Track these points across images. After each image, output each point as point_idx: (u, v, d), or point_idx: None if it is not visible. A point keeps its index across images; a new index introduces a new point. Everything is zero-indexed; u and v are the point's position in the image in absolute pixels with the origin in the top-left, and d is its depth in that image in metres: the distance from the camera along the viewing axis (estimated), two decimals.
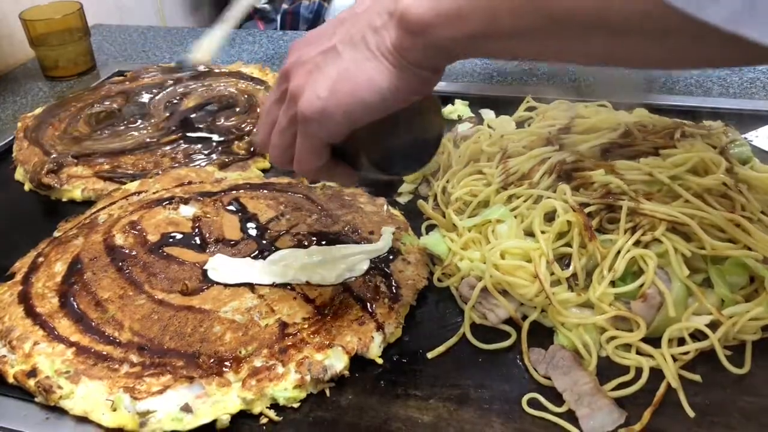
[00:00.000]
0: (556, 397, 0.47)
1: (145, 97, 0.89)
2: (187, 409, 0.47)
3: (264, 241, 0.61)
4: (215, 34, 0.94)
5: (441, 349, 0.52)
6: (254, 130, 0.81)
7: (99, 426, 0.47)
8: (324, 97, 0.41)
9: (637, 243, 0.52)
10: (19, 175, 0.78)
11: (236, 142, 0.79)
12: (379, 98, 0.40)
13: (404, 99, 0.41)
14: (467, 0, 0.35)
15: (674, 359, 0.49)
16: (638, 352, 0.50)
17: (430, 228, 0.64)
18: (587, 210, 0.54)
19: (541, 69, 0.96)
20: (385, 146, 0.45)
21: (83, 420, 0.48)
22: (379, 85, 0.40)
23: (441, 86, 0.90)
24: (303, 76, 0.42)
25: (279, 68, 0.62)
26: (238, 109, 0.86)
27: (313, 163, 0.45)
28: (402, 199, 0.69)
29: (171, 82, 0.93)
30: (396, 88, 0.40)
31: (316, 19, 1.61)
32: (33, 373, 0.50)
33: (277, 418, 0.48)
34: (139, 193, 0.69)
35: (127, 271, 0.58)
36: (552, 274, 0.52)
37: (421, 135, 0.46)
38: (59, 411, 0.48)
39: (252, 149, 0.77)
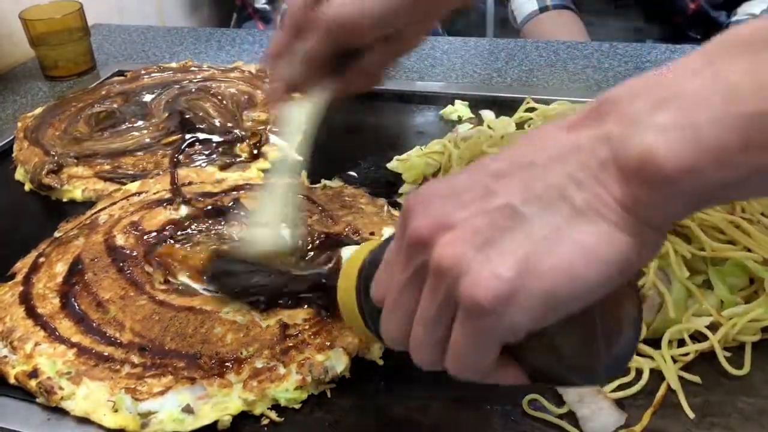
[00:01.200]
0: (557, 399, 0.47)
1: (146, 98, 0.89)
2: (188, 410, 0.47)
3: None
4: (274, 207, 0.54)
5: None
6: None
7: (100, 427, 0.47)
8: (509, 278, 0.28)
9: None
10: (19, 175, 0.78)
11: (238, 144, 0.79)
12: (599, 275, 0.28)
13: (630, 273, 0.30)
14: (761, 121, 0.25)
15: (674, 360, 0.49)
16: (638, 354, 0.50)
17: None
18: None
19: (540, 71, 0.96)
20: (586, 346, 0.32)
21: (84, 421, 0.48)
22: (602, 257, 0.28)
23: (441, 87, 0.91)
24: (460, 245, 0.29)
25: None
26: (238, 110, 0.86)
27: (478, 366, 0.33)
28: (402, 200, 0.69)
29: (171, 82, 0.93)
30: (622, 258, 0.28)
31: None
32: (34, 373, 0.50)
33: (278, 419, 0.48)
34: (140, 193, 0.69)
35: (128, 271, 0.58)
36: None
37: (627, 327, 0.33)
38: (60, 412, 0.48)
39: (255, 153, 0.77)
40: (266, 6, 1.51)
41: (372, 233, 0.62)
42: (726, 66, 0.26)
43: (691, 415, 0.46)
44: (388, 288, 0.35)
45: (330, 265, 0.55)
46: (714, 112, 0.26)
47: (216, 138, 0.80)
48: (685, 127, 0.26)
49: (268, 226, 0.51)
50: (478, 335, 0.30)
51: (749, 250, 0.52)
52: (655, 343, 0.50)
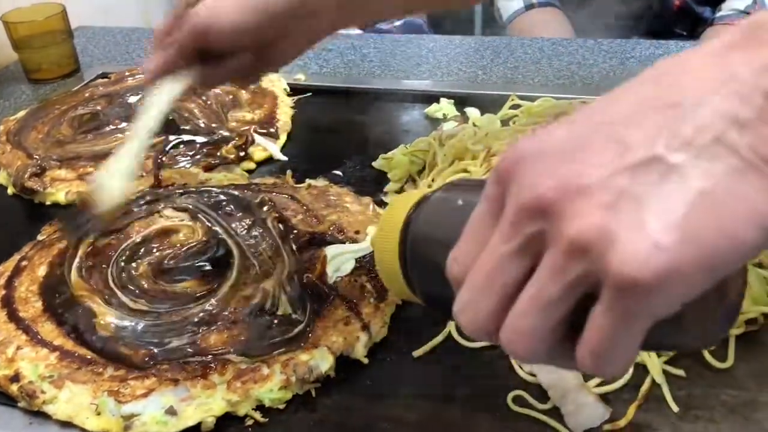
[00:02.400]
0: (542, 395, 0.47)
1: (130, 99, 0.89)
2: (171, 411, 0.47)
3: None
4: (121, 165, 0.56)
5: (427, 347, 0.52)
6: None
7: (83, 430, 0.47)
8: (673, 245, 0.23)
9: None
10: (2, 178, 0.78)
11: (224, 146, 0.78)
12: (764, 234, 0.23)
13: None
14: None
15: (658, 354, 0.49)
16: None
17: None
18: None
19: (526, 68, 0.96)
20: (712, 310, 0.28)
21: (67, 425, 0.47)
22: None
23: (426, 85, 0.91)
24: (601, 212, 0.24)
25: None
26: (223, 110, 0.86)
27: (626, 356, 0.26)
28: (388, 199, 0.69)
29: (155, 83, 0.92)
30: None
31: None
32: (16, 377, 0.49)
33: (262, 420, 0.47)
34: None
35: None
36: None
37: (739, 284, 0.29)
38: (43, 416, 0.48)
39: (243, 154, 0.77)
40: None
41: (357, 232, 0.62)
42: None
43: (676, 408, 0.46)
44: (477, 263, 0.28)
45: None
46: None
47: (200, 139, 0.79)
48: None
49: (108, 181, 0.55)
50: (631, 320, 0.25)
51: None
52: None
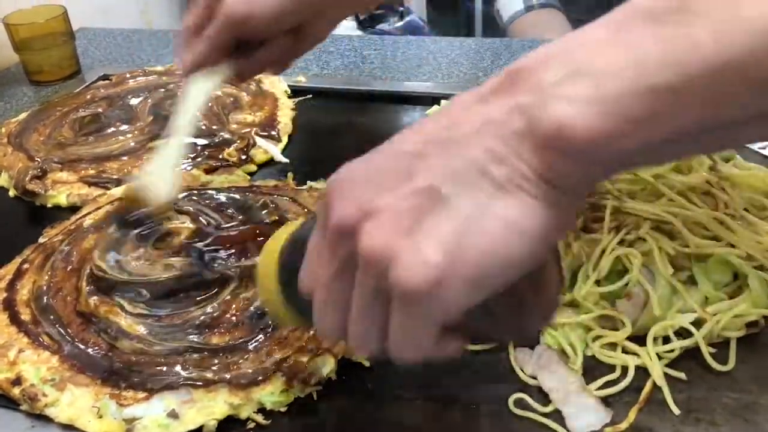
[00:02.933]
0: (543, 397, 0.47)
1: (131, 101, 0.89)
2: (173, 415, 0.47)
3: None
4: (167, 160, 0.58)
5: None
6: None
7: None
8: (437, 263, 0.28)
9: (621, 242, 0.52)
10: (3, 181, 0.78)
11: (226, 149, 0.78)
12: (522, 248, 0.28)
13: (553, 242, 0.30)
14: (673, 93, 0.26)
15: (659, 357, 0.49)
16: (624, 351, 0.50)
17: None
18: None
19: None
20: (519, 310, 0.33)
21: (69, 427, 0.47)
22: (523, 228, 0.28)
23: (426, 87, 0.91)
24: (386, 233, 0.29)
25: None
26: (224, 112, 0.86)
27: (421, 349, 0.32)
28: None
29: (157, 85, 0.93)
30: (545, 229, 0.29)
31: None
32: (18, 381, 0.49)
33: (264, 422, 0.48)
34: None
35: None
36: None
37: (552, 287, 0.34)
38: (45, 419, 0.48)
39: (244, 157, 0.77)
40: None
41: None
42: (633, 38, 0.27)
43: (677, 411, 0.46)
44: (317, 280, 0.33)
45: None
46: (623, 85, 0.26)
47: (201, 141, 0.79)
48: (596, 98, 0.27)
49: (157, 176, 0.57)
50: (415, 320, 0.30)
51: (733, 246, 0.52)
52: (640, 340, 0.50)
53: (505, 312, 0.32)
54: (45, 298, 0.56)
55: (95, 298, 0.55)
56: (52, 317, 0.54)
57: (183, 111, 0.58)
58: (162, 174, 0.56)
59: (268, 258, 0.40)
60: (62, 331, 0.53)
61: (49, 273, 0.59)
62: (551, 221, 0.29)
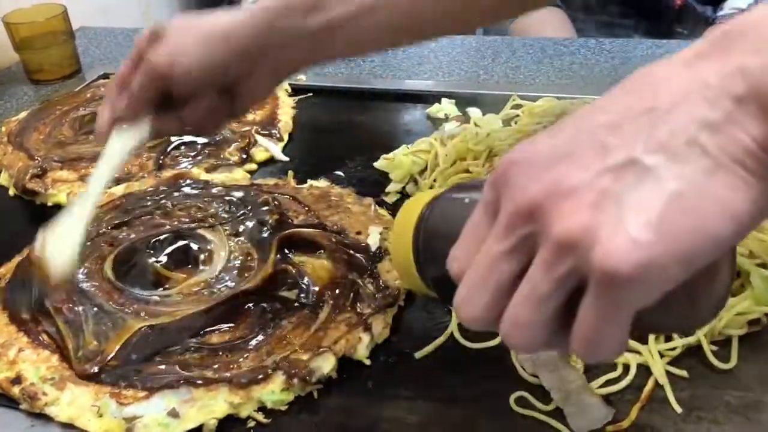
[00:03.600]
0: (544, 396, 0.47)
1: None
2: (174, 414, 0.47)
3: None
4: (73, 232, 0.51)
5: (429, 348, 0.52)
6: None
7: None
8: (649, 241, 0.25)
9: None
10: (3, 180, 0.78)
11: (226, 147, 0.78)
12: (734, 228, 0.25)
13: (761, 222, 0.27)
14: None
15: (661, 355, 0.49)
16: (625, 349, 0.49)
17: None
18: None
19: (527, 68, 0.96)
20: (697, 295, 0.31)
21: (69, 427, 0.47)
22: (736, 208, 0.25)
23: (427, 85, 0.91)
24: (584, 213, 0.26)
25: None
26: None
27: (614, 343, 0.28)
28: (389, 199, 0.69)
29: None
30: (758, 209, 0.26)
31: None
32: (17, 380, 0.49)
33: (265, 421, 0.47)
34: (124, 196, 0.69)
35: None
36: None
37: (726, 269, 0.31)
38: (45, 418, 0.48)
39: (245, 156, 0.77)
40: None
41: (359, 233, 0.62)
42: None
43: (679, 409, 0.46)
44: (475, 261, 0.31)
45: None
46: None
47: (201, 139, 0.79)
48: None
49: (58, 249, 0.49)
50: (617, 308, 0.27)
51: None
52: (642, 338, 0.49)
53: (676, 300, 0.29)
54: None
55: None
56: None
57: (98, 171, 0.53)
58: (64, 247, 0.49)
59: (402, 231, 0.40)
60: None
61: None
62: (766, 199, 0.25)
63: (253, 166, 0.77)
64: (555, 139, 0.29)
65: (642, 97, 0.27)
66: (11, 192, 0.75)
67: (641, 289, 0.26)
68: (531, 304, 0.29)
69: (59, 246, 0.49)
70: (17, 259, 0.62)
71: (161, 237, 0.60)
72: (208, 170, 0.74)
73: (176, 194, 0.68)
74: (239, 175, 0.74)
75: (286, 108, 0.87)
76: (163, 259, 0.59)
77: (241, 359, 0.50)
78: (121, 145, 0.54)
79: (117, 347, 0.50)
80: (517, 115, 0.77)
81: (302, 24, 0.54)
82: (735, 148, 0.25)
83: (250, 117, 0.84)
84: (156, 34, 0.54)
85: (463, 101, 0.84)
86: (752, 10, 0.27)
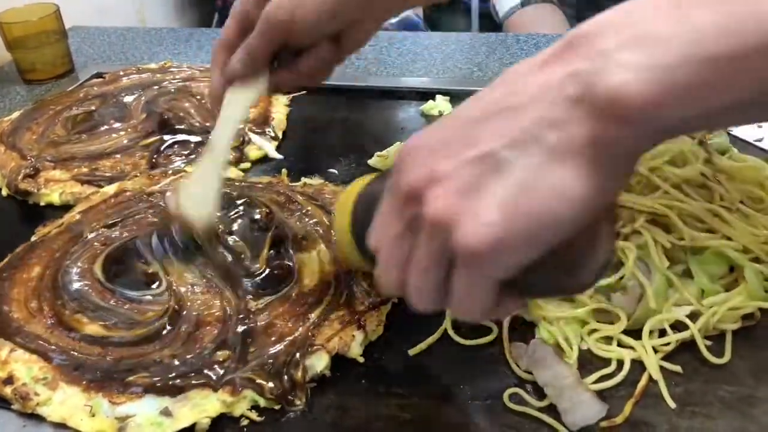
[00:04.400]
0: (538, 392, 0.47)
1: (124, 99, 0.88)
2: (166, 413, 0.46)
3: None
4: (207, 182, 0.56)
5: (423, 346, 0.51)
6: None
7: None
8: (496, 223, 0.30)
9: (616, 235, 0.52)
10: None
11: None
12: (572, 211, 0.30)
13: (601, 206, 0.31)
14: (730, 63, 0.27)
15: (655, 350, 0.49)
16: (619, 344, 0.49)
17: None
18: None
19: None
20: (573, 262, 0.34)
21: (61, 426, 0.47)
22: (573, 194, 0.29)
23: (421, 82, 0.90)
24: (449, 198, 0.31)
25: None
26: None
27: (482, 306, 0.34)
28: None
29: (150, 83, 0.92)
30: (594, 193, 0.29)
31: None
32: (9, 380, 0.49)
33: (258, 419, 0.47)
34: (117, 195, 0.69)
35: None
36: None
37: (608, 238, 0.35)
38: (37, 418, 0.48)
39: (240, 156, 0.77)
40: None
41: None
42: (694, 9, 0.27)
43: (673, 404, 0.46)
44: (384, 239, 0.36)
45: None
46: (680, 53, 0.27)
47: (195, 138, 0.79)
48: (652, 66, 0.27)
49: (197, 200, 0.55)
50: (478, 279, 0.32)
51: (728, 239, 0.52)
52: (636, 333, 0.49)
53: (559, 266, 0.33)
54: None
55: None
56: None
57: (221, 126, 0.56)
58: (202, 197, 0.55)
59: (342, 211, 0.46)
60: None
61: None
62: (603, 185, 0.29)
63: (247, 165, 0.77)
64: (440, 127, 0.33)
65: (506, 93, 0.31)
66: (4, 192, 0.75)
67: (496, 263, 0.31)
68: (418, 275, 0.34)
69: (196, 199, 0.55)
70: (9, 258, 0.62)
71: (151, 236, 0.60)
72: None
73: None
74: (233, 174, 0.74)
75: (279, 106, 0.87)
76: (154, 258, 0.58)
77: None
78: (239, 102, 0.57)
79: None
80: None
81: None
82: (570, 142, 0.29)
83: None
84: None
85: (457, 98, 0.84)
86: (604, 13, 0.30)
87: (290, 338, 0.50)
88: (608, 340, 0.50)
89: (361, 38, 0.60)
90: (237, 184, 0.70)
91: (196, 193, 0.55)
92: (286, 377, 0.48)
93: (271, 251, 0.58)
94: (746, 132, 0.72)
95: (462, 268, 0.32)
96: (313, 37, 0.56)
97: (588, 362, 0.49)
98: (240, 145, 0.78)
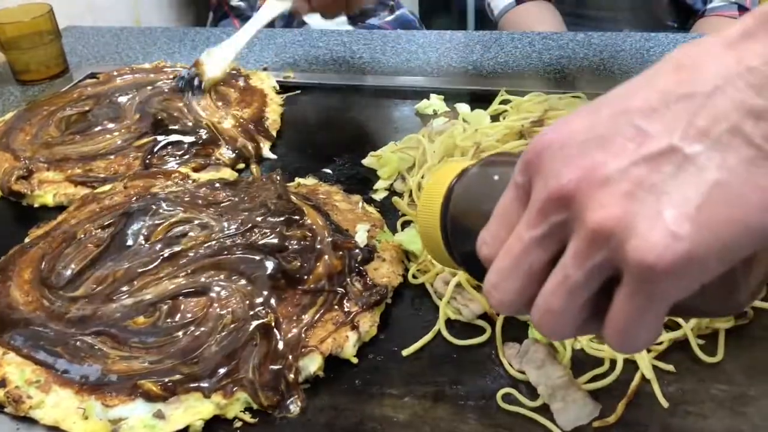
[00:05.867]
0: (531, 392, 0.47)
1: (118, 100, 0.88)
2: (159, 415, 0.46)
3: None
4: (235, 43, 0.87)
5: (416, 346, 0.51)
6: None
7: None
8: (686, 235, 0.24)
9: None
10: None
11: (217, 150, 0.77)
12: None
13: None
14: None
15: (648, 350, 0.49)
16: None
17: (406, 224, 0.64)
18: None
19: (516, 63, 0.96)
20: (735, 283, 0.30)
21: (54, 429, 0.47)
22: None
23: (416, 81, 0.90)
24: (620, 203, 0.25)
25: None
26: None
27: (650, 335, 0.28)
28: (377, 196, 0.69)
29: (144, 83, 0.92)
30: None
31: (291, 15, 1.60)
32: (2, 383, 0.49)
33: (252, 421, 0.47)
34: (111, 196, 0.68)
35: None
36: None
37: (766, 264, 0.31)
38: (30, 421, 0.48)
39: (237, 160, 0.77)
40: (241, 3, 1.50)
41: (346, 230, 0.61)
42: None
43: (665, 404, 0.46)
44: (505, 247, 0.30)
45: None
46: None
47: (189, 139, 0.79)
48: None
49: (215, 58, 0.87)
50: (652, 302, 0.26)
51: None
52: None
53: (716, 286, 0.28)
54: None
55: None
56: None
57: (251, 22, 0.86)
58: (219, 58, 0.86)
59: (429, 206, 0.39)
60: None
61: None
62: None
63: (241, 165, 0.77)
64: (589, 121, 0.28)
65: (680, 79, 0.26)
66: None
67: (679, 283, 0.25)
68: (563, 293, 0.28)
69: (214, 59, 0.86)
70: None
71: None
72: (195, 170, 0.74)
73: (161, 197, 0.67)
74: (227, 174, 0.74)
75: (274, 105, 0.87)
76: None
77: None
78: (269, 10, 0.86)
79: None
80: (506, 110, 0.77)
81: None
82: None
83: (237, 115, 0.84)
84: None
85: (451, 97, 0.84)
86: None
87: (283, 339, 0.50)
88: (601, 339, 0.50)
89: None
90: (231, 185, 0.70)
91: (215, 55, 0.87)
92: (280, 379, 0.48)
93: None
94: None
95: (632, 289, 0.26)
96: None
97: (581, 362, 0.49)
98: (236, 146, 0.78)
